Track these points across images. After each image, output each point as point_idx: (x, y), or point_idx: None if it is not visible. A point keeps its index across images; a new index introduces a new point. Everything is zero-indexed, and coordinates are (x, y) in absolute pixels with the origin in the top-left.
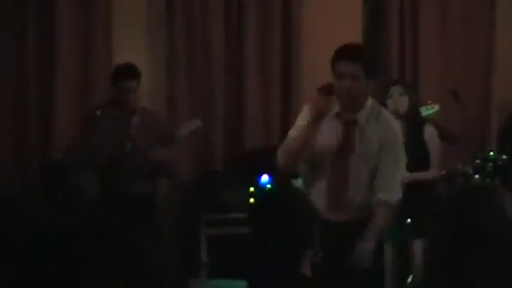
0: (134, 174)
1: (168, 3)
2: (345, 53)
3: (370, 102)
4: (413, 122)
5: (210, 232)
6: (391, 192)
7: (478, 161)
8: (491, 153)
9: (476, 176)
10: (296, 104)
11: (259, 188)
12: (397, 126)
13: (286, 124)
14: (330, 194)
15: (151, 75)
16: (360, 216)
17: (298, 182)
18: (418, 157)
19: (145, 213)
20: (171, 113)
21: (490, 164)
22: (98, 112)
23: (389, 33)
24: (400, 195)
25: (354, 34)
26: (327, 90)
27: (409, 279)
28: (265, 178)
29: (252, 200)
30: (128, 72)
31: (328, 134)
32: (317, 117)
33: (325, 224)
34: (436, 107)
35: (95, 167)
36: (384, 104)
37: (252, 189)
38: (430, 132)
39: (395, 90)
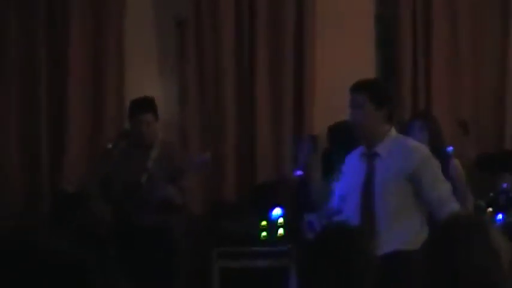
0: (149, 205)
1: (180, 33)
2: (352, 86)
3: (393, 134)
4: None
5: (222, 265)
6: (452, 204)
7: (491, 194)
8: (504, 185)
9: (490, 209)
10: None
11: (271, 221)
12: (425, 150)
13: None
14: None
15: (163, 105)
16: (397, 249)
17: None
18: None
19: (156, 246)
20: (182, 144)
21: (503, 196)
22: (109, 145)
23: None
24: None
25: (367, 65)
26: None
27: None
28: (277, 211)
29: (264, 233)
30: (144, 105)
31: (353, 173)
32: None
33: None
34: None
35: (109, 199)
36: None
37: (263, 222)
38: (454, 166)
39: (415, 125)
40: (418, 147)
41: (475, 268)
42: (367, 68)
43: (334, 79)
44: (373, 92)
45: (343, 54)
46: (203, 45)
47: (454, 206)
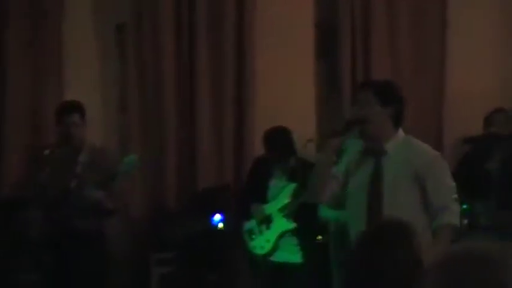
0: (80, 210)
1: (120, 43)
2: (360, 83)
3: (401, 134)
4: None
5: (161, 271)
6: (449, 213)
7: None
8: None
9: None
10: (249, 141)
11: (212, 226)
12: (433, 152)
13: (238, 163)
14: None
15: (103, 113)
16: None
17: (251, 224)
18: None
19: (91, 250)
20: (123, 152)
21: None
22: (46, 152)
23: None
24: (456, 220)
25: (306, 73)
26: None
27: None
28: (218, 217)
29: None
30: (71, 106)
31: (361, 170)
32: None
33: None
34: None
35: (42, 205)
36: None
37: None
38: None
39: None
40: (426, 149)
41: (398, 273)
42: (306, 77)
43: (274, 87)
44: (379, 89)
45: (282, 62)
46: (143, 49)
47: (447, 218)
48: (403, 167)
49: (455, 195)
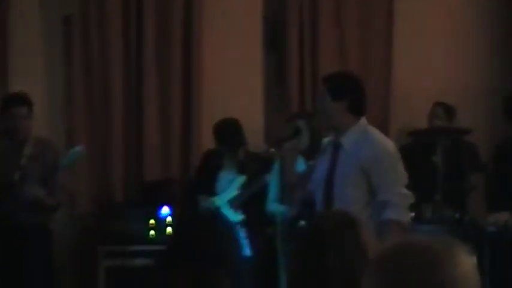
0: (23, 204)
1: (66, 34)
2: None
3: (361, 124)
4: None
5: (108, 264)
6: (390, 209)
7: None
8: None
9: None
10: (196, 134)
11: (159, 219)
12: (382, 144)
13: (185, 155)
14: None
15: (48, 106)
16: None
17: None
18: None
19: (35, 243)
20: (68, 144)
21: None
22: None
23: (289, 63)
24: (396, 215)
25: (255, 66)
26: None
27: None
28: (165, 210)
29: (152, 232)
30: (18, 98)
31: (320, 164)
32: None
33: None
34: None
35: None
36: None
37: (152, 221)
38: None
39: (300, 124)
40: (378, 141)
41: (343, 264)
42: (254, 69)
43: (221, 79)
44: (331, 83)
45: (230, 54)
46: (89, 41)
47: (388, 214)
48: (352, 160)
49: (402, 190)
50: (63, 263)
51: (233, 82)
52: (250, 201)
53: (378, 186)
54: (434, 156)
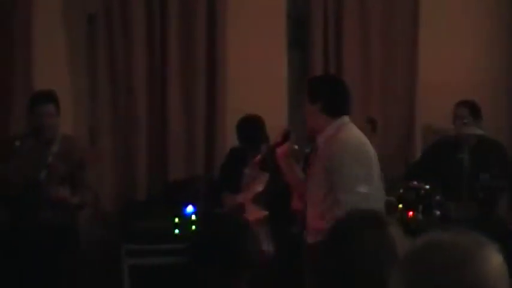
0: (49, 202)
1: (90, 32)
2: None
3: (335, 125)
4: None
5: (132, 262)
6: (339, 206)
7: (401, 190)
8: (415, 182)
9: (400, 205)
10: (220, 133)
11: (184, 218)
12: (345, 142)
13: (210, 153)
14: (303, 216)
15: (73, 103)
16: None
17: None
18: None
19: (61, 242)
20: (93, 140)
21: (413, 193)
22: (17, 142)
23: (313, 62)
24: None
25: (279, 65)
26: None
27: None
28: (189, 208)
29: (176, 230)
30: (45, 96)
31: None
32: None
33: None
34: None
35: (8, 198)
36: None
37: (176, 219)
38: None
39: None
40: (341, 139)
41: (370, 264)
42: (278, 68)
43: (246, 79)
44: (308, 87)
45: (254, 52)
46: (114, 39)
47: (336, 211)
48: (320, 160)
49: (356, 188)
50: (87, 262)
51: (257, 80)
52: (274, 199)
53: (333, 184)
54: (461, 154)
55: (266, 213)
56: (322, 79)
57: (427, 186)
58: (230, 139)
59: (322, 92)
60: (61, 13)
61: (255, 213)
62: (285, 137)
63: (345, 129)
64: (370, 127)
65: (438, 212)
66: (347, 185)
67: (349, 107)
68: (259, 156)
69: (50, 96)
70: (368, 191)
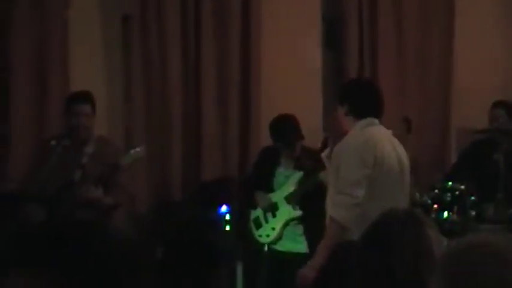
0: (82, 203)
1: (125, 33)
2: None
3: (357, 126)
4: None
5: None
6: (333, 207)
7: (436, 190)
8: (449, 183)
9: (435, 206)
10: (254, 133)
11: (218, 218)
12: (347, 142)
13: (244, 154)
14: None
15: (108, 105)
16: None
17: (257, 213)
18: None
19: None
20: (127, 143)
21: (448, 194)
22: (53, 142)
23: (348, 62)
24: (336, 213)
25: (313, 66)
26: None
27: None
28: (224, 208)
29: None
30: (81, 96)
31: None
32: None
33: None
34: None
35: (44, 197)
36: None
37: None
38: None
39: None
40: (346, 138)
41: (407, 263)
42: (313, 69)
43: (281, 81)
44: (339, 89)
45: (289, 53)
46: (149, 40)
47: (330, 211)
48: (332, 162)
49: (346, 189)
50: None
51: (292, 81)
52: (308, 198)
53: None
54: (496, 155)
55: (300, 212)
56: (351, 82)
57: (462, 187)
58: (264, 139)
59: (348, 95)
60: (97, 14)
61: (289, 213)
62: (324, 144)
63: (361, 128)
64: (405, 127)
65: (473, 213)
66: (341, 186)
67: (378, 109)
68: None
69: (86, 97)
70: (354, 191)
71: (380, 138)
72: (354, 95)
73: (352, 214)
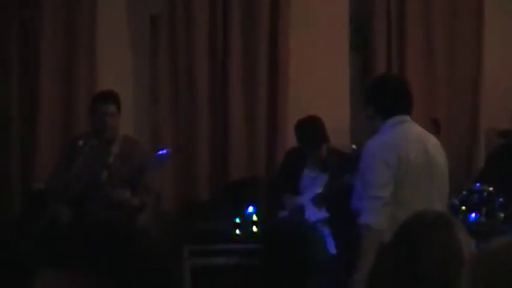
0: (109, 204)
1: (153, 34)
2: None
3: (385, 125)
4: None
5: (193, 263)
6: (364, 213)
7: (464, 192)
8: (478, 184)
9: (463, 207)
10: (282, 133)
11: (245, 218)
12: (369, 144)
13: (271, 154)
14: None
15: (135, 106)
16: None
17: (284, 214)
18: None
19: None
20: (154, 144)
21: (476, 196)
22: (80, 142)
23: (376, 63)
24: (368, 219)
25: (341, 67)
26: None
27: None
28: (251, 208)
29: (238, 231)
30: (107, 96)
31: None
32: None
33: None
34: None
35: (71, 197)
36: None
37: (237, 219)
38: None
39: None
40: (369, 140)
41: (436, 264)
42: (340, 70)
43: (308, 81)
44: (364, 90)
45: (316, 54)
46: (176, 41)
47: (360, 217)
48: None
49: (373, 192)
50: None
51: (319, 82)
52: (334, 199)
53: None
54: None
55: (326, 214)
56: (376, 80)
57: (491, 189)
58: (291, 139)
59: (374, 93)
60: (124, 14)
61: (315, 215)
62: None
63: (388, 127)
64: (434, 128)
65: (502, 215)
66: (368, 188)
67: (406, 105)
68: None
69: (112, 97)
70: (381, 193)
71: (405, 137)
72: (380, 93)
73: (383, 216)
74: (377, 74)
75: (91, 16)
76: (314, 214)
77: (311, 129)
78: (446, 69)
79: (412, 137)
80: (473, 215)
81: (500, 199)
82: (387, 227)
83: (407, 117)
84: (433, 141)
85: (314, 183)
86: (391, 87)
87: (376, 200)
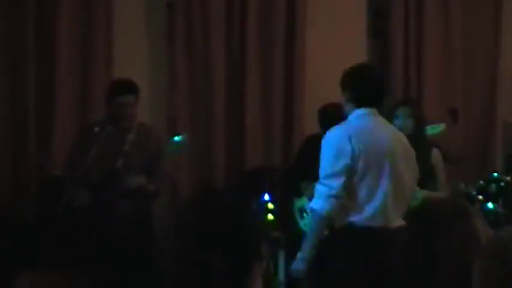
0: (125, 192)
1: (169, 21)
2: None
3: (353, 116)
4: (419, 144)
5: None
6: (314, 197)
7: (481, 182)
8: (495, 174)
9: (480, 197)
10: (298, 122)
11: (261, 206)
12: (328, 132)
13: (287, 143)
14: None
15: (151, 93)
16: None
17: (302, 202)
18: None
19: (135, 230)
20: (170, 132)
21: (493, 185)
22: (96, 129)
23: (394, 52)
24: (316, 204)
25: (358, 55)
26: None
27: None
28: (266, 197)
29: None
30: (126, 86)
31: None
32: None
33: None
34: (443, 126)
35: (87, 184)
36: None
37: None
38: (435, 156)
39: (402, 111)
40: (328, 131)
41: (453, 254)
42: (358, 58)
43: (325, 68)
44: (342, 76)
45: (334, 43)
46: (193, 27)
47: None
48: None
49: (324, 179)
50: (162, 250)
51: (336, 70)
52: None
53: None
54: None
55: None
56: (353, 68)
57: (508, 178)
58: (308, 128)
59: (349, 83)
60: (141, 1)
61: None
62: None
63: (354, 121)
64: (451, 118)
65: None
66: (320, 175)
67: (377, 99)
68: None
69: (130, 86)
70: (331, 181)
71: (367, 129)
72: (355, 82)
73: (330, 205)
74: (399, 67)
75: (108, 4)
76: None
77: (336, 113)
78: (463, 59)
79: (375, 129)
80: (490, 204)
81: None
82: (337, 215)
83: (375, 111)
84: (397, 135)
85: None
86: (365, 79)
87: (326, 188)
